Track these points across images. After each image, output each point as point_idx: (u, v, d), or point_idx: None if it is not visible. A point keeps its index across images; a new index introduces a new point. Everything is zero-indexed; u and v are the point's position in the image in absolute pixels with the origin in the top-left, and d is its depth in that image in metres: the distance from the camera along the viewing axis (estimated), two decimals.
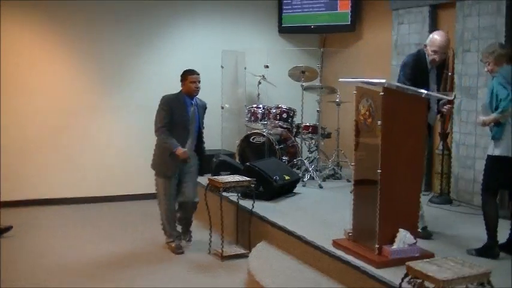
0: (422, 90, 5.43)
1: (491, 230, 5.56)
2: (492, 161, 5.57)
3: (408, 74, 6.02)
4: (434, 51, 6.00)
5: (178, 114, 6.99)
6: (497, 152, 5.49)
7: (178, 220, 7.36)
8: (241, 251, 6.99)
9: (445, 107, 6.19)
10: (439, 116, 6.70)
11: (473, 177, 7.57)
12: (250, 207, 7.07)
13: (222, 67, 10.21)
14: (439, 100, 6.10)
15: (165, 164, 7.04)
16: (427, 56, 6.08)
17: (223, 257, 6.85)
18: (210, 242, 7.11)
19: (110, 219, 8.76)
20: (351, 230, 5.75)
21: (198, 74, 7.14)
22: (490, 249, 5.54)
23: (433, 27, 8.36)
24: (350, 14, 10.18)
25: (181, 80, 7.12)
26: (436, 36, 6.07)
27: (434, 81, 6.19)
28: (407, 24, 8.87)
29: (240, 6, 10.50)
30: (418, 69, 6.04)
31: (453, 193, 7.93)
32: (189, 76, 7.08)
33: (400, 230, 5.29)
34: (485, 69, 5.69)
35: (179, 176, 7.13)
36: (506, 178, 5.56)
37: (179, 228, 7.39)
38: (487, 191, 5.64)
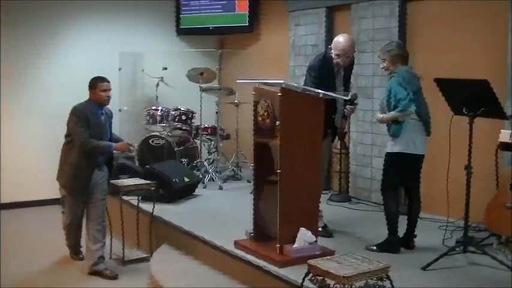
0: (319, 91, 5.48)
1: (392, 225, 5.70)
2: (391, 158, 5.71)
3: (314, 76, 6.01)
4: (337, 55, 5.98)
5: (93, 125, 6.45)
6: (396, 149, 5.63)
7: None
8: (143, 254, 6.91)
9: (346, 107, 6.21)
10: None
11: (371, 175, 7.74)
12: (150, 210, 7.00)
13: (119, 69, 10.06)
14: (346, 101, 6.11)
15: (79, 182, 6.48)
16: (336, 63, 6.12)
17: (125, 262, 6.74)
18: (111, 246, 6.98)
19: (8, 227, 8.44)
20: (252, 230, 5.76)
21: (109, 82, 6.64)
22: (391, 245, 5.68)
23: (330, 29, 8.51)
24: (248, 15, 10.21)
25: (91, 88, 6.56)
26: (340, 40, 6.03)
27: (341, 83, 6.18)
28: (304, 25, 8.97)
29: (137, 7, 10.34)
30: (323, 72, 6.03)
31: (352, 191, 8.08)
32: (99, 84, 6.55)
33: (301, 228, 5.34)
34: (381, 66, 5.80)
35: (87, 193, 6.58)
36: (405, 174, 5.72)
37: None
38: (387, 188, 5.78)
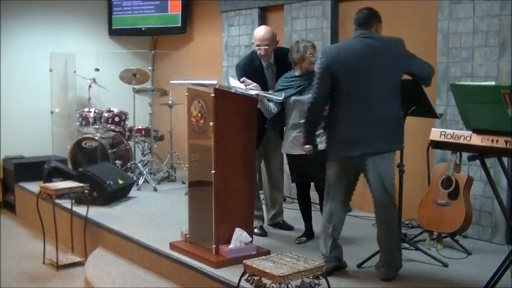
0: (253, 91, 5.50)
1: (306, 217, 6.10)
2: (287, 157, 6.05)
3: (238, 76, 6.08)
4: (258, 45, 6.09)
5: None
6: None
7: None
8: (77, 259, 6.80)
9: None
10: None
11: None
12: (84, 213, 6.90)
13: (50, 70, 9.87)
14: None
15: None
16: (259, 55, 6.16)
17: (59, 266, 6.63)
18: (44, 251, 6.86)
19: None
20: (188, 232, 5.75)
21: None
22: (310, 232, 6.04)
23: None
24: (180, 16, 10.16)
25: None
26: (256, 31, 6.23)
27: (273, 78, 6.16)
28: (237, 26, 8.99)
29: (68, 7, 10.14)
30: (248, 70, 6.08)
31: (286, 191, 8.10)
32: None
33: (236, 229, 5.35)
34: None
35: None
36: (302, 172, 5.91)
37: None
38: (296, 185, 6.09)
